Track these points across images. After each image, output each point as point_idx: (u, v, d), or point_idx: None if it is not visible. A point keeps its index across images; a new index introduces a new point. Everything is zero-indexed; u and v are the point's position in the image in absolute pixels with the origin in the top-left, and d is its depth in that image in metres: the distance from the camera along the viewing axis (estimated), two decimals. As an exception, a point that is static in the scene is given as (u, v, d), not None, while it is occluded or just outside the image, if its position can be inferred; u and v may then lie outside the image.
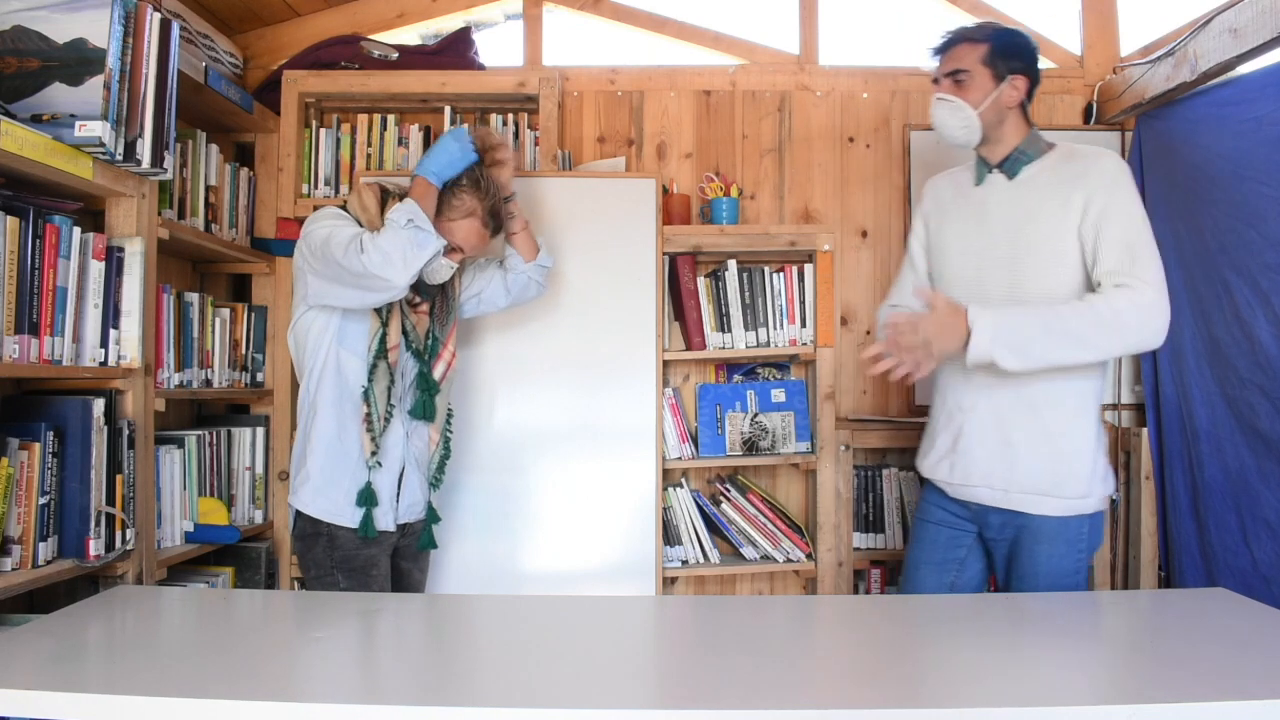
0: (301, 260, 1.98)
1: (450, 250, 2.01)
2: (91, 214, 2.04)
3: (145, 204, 2.07)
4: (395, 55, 2.95)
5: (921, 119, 3.08)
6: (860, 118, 3.12)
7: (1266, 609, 1.66)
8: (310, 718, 1.19)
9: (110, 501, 1.93)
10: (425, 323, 2.11)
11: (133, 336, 2.04)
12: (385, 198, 2.05)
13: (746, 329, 2.86)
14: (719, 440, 2.87)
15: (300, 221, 2.71)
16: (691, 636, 1.66)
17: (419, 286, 2.04)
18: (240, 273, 2.89)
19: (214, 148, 2.60)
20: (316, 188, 2.90)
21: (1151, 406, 2.87)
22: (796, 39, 3.16)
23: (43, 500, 1.79)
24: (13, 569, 1.74)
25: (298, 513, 2.02)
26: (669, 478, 2.83)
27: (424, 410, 2.08)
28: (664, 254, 2.75)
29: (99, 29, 1.83)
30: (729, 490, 2.87)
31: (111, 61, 1.84)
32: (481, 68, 3.01)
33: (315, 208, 2.64)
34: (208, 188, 2.58)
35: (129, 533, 2.00)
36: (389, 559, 2.09)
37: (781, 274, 2.86)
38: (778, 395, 2.90)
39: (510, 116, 2.95)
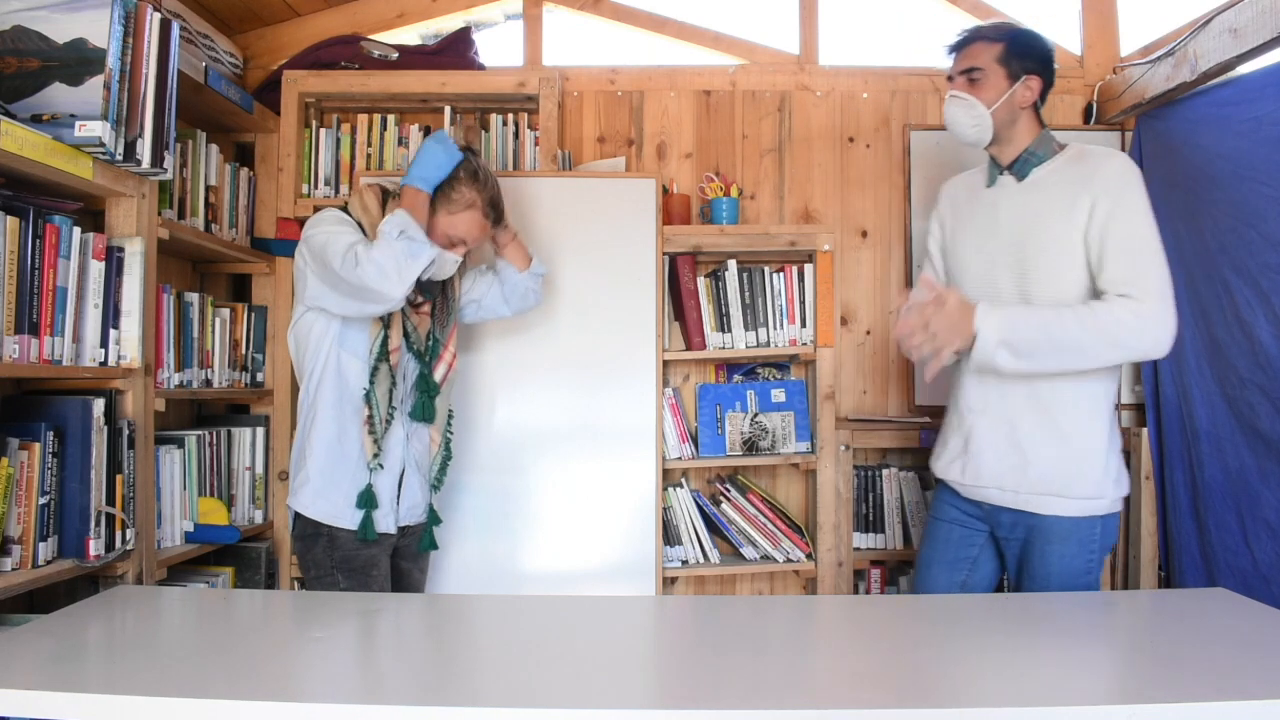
0: (302, 262, 1.99)
1: (453, 244, 2.02)
2: (91, 214, 2.04)
3: (145, 204, 2.07)
4: (395, 55, 2.95)
5: (922, 119, 3.08)
6: (860, 118, 3.12)
7: (1266, 609, 1.65)
8: (310, 718, 1.19)
9: (110, 501, 1.93)
10: (427, 324, 2.11)
11: (133, 336, 2.04)
12: (386, 198, 2.05)
13: (746, 329, 2.86)
14: (719, 440, 2.87)
15: (300, 222, 2.72)
16: (691, 636, 1.66)
17: (422, 285, 2.04)
18: (240, 273, 2.89)
19: (214, 148, 2.60)
20: (316, 188, 2.90)
21: (1151, 406, 2.87)
22: (796, 39, 3.16)
23: (43, 500, 1.79)
24: (13, 569, 1.74)
25: (297, 514, 2.03)
26: (669, 478, 2.83)
27: (425, 412, 2.09)
28: (664, 254, 2.76)
29: (99, 29, 1.83)
30: (729, 490, 2.87)
31: (111, 61, 1.84)
32: (481, 68, 3.01)
33: (315, 208, 2.65)
34: (208, 188, 2.58)
35: (129, 533, 2.00)
36: (389, 559, 2.09)
37: (781, 274, 2.86)
38: (778, 395, 2.90)
39: (510, 116, 2.95)
